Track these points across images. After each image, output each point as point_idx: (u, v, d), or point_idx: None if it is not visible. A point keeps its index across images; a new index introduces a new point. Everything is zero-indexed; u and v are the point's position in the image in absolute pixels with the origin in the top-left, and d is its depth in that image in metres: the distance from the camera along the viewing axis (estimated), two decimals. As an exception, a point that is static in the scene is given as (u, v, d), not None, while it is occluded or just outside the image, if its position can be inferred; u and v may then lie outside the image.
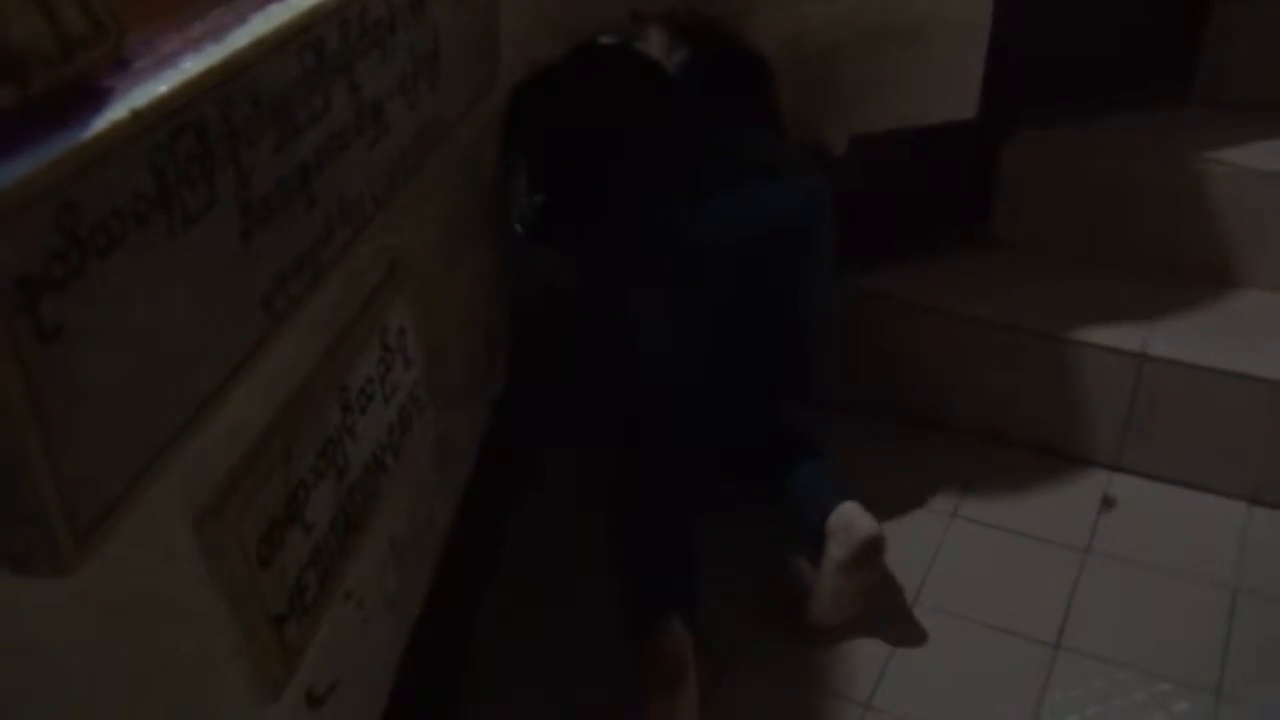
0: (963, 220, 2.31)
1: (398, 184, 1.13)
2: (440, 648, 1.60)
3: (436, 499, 1.55)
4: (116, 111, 0.64)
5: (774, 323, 1.78)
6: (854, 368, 2.21)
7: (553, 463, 2.09)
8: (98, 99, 0.65)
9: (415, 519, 1.43)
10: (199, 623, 0.94)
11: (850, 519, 1.63)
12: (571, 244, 1.80)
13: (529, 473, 2.06)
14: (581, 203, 1.75)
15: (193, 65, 0.72)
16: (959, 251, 2.28)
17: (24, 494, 0.59)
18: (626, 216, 1.66)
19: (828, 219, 1.72)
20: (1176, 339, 1.98)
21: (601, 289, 1.71)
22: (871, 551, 1.63)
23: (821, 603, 1.68)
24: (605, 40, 1.83)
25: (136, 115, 0.64)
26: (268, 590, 1.00)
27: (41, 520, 0.60)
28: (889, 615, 1.74)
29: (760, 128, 1.82)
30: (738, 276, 1.69)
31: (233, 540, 0.94)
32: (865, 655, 1.68)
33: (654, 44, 1.86)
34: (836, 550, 1.63)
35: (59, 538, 0.61)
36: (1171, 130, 2.25)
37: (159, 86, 0.68)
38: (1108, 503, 1.96)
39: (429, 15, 1.16)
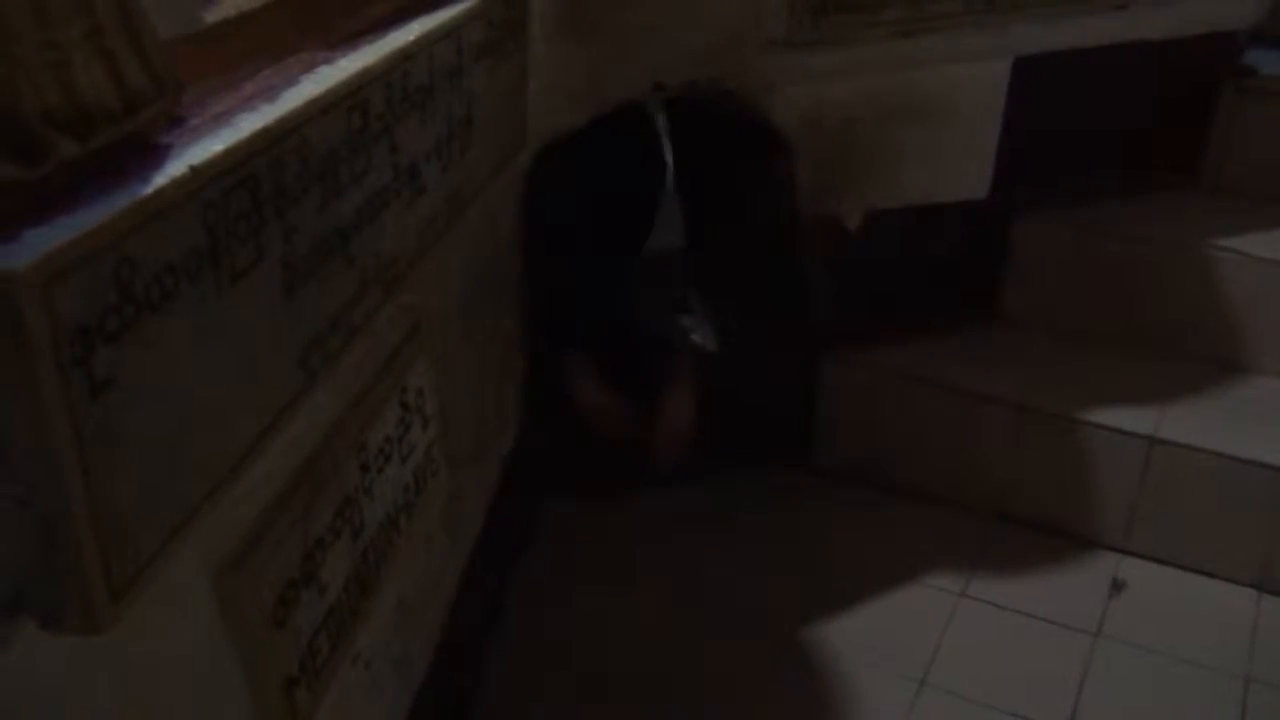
0: (971, 296, 2.32)
1: (428, 245, 1.13)
2: (444, 714, 1.56)
3: (445, 560, 1.53)
4: (176, 168, 0.64)
5: None
6: (858, 440, 2.20)
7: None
8: (156, 155, 0.66)
9: (424, 581, 1.41)
10: (210, 685, 0.92)
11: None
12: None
13: (532, 532, 2.04)
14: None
15: (248, 123, 0.72)
16: (967, 327, 2.29)
17: (63, 549, 0.58)
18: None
19: None
20: (1187, 423, 1.98)
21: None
22: None
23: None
24: (626, 109, 1.86)
25: (195, 172, 0.65)
26: (281, 652, 0.98)
27: (78, 576, 0.59)
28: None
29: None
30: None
31: (250, 599, 0.92)
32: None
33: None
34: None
35: (94, 595, 0.59)
36: (1179, 216, 2.27)
37: (216, 144, 0.68)
38: (1117, 586, 1.94)
39: (465, 82, 1.18)
